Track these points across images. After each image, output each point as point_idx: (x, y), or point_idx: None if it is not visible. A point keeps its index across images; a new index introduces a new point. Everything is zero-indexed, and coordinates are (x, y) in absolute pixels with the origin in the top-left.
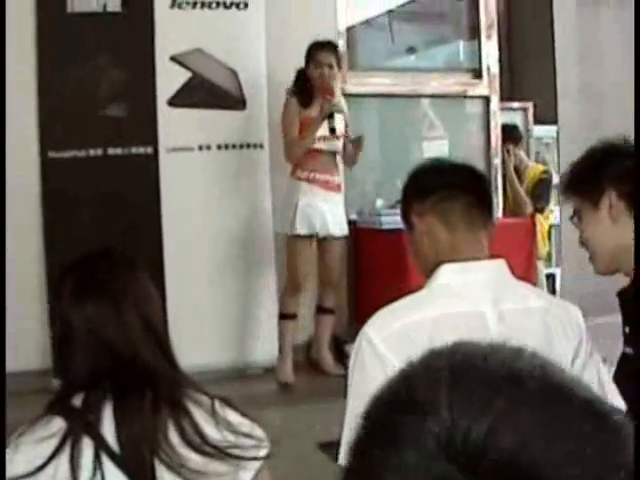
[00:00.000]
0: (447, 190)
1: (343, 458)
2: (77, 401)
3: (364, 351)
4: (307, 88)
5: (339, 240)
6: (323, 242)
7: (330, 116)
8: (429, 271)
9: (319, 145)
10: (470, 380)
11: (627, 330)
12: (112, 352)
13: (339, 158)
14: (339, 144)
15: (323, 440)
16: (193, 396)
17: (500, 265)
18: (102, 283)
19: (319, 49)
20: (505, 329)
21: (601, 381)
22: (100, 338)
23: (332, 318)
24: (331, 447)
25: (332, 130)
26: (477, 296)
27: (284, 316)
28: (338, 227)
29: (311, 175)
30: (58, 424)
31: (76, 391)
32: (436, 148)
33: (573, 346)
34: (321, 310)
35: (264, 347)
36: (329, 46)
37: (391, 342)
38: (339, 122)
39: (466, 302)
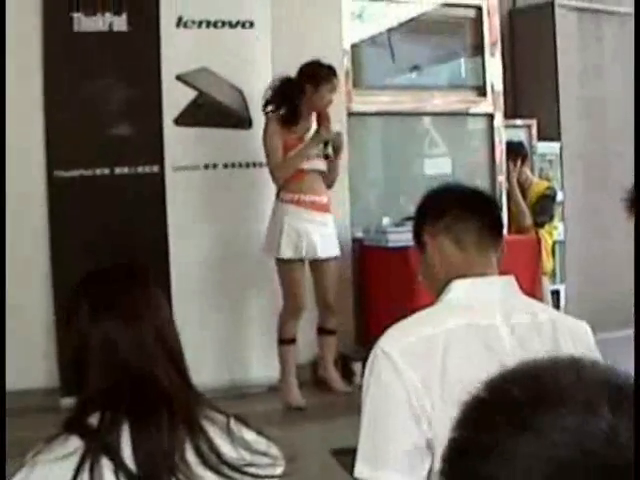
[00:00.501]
0: (460, 212)
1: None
2: (93, 420)
3: (380, 364)
4: (294, 103)
5: (331, 261)
6: (314, 264)
7: (326, 143)
8: (438, 290)
9: (303, 165)
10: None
11: None
12: (128, 370)
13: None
14: (323, 164)
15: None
16: (208, 414)
17: (510, 281)
18: (118, 300)
19: (325, 72)
20: (517, 342)
21: None
22: (116, 355)
23: (334, 339)
24: (344, 454)
25: (326, 157)
26: (489, 309)
27: (283, 341)
28: (327, 248)
29: (296, 197)
30: (75, 443)
31: (92, 410)
32: (438, 165)
33: None
34: (323, 331)
35: (265, 365)
36: (333, 71)
37: (407, 355)
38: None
39: (478, 315)
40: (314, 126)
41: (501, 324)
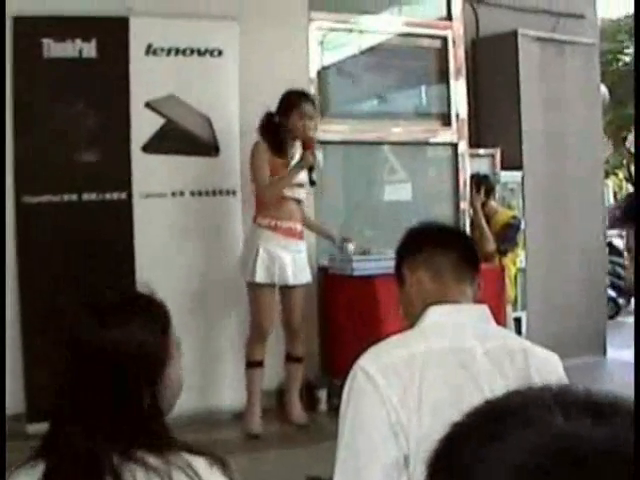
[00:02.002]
0: (437, 247)
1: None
2: (64, 449)
3: (360, 382)
4: (278, 134)
5: (301, 288)
6: (284, 289)
7: (311, 169)
8: (415, 317)
9: (285, 192)
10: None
11: None
12: (102, 400)
13: (303, 205)
14: (303, 192)
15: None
16: (142, 458)
17: (484, 309)
18: (107, 328)
19: (304, 100)
20: (491, 365)
21: None
22: (94, 386)
23: (301, 367)
24: None
25: (312, 183)
26: (464, 333)
27: (250, 364)
28: (299, 275)
29: (273, 222)
30: (41, 469)
31: (62, 436)
32: (401, 193)
33: None
34: (290, 358)
35: (232, 392)
36: (311, 97)
37: (385, 373)
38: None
39: (454, 338)
40: (299, 152)
41: (476, 347)
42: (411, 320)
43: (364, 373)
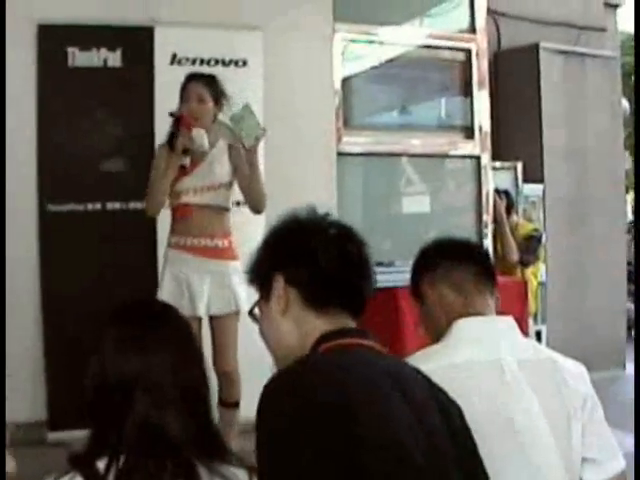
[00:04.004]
0: (456, 260)
1: None
2: (101, 465)
3: None
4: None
5: (230, 317)
6: (211, 322)
7: (185, 151)
8: (439, 333)
9: (189, 199)
10: None
11: None
12: (139, 413)
13: (228, 215)
14: (223, 195)
15: None
16: (220, 470)
17: (511, 320)
18: (143, 339)
19: (187, 81)
20: (524, 376)
21: (603, 436)
22: (130, 395)
23: (236, 412)
24: None
25: (182, 167)
26: (498, 345)
27: None
28: (224, 303)
29: (181, 240)
30: None
31: (101, 451)
32: (420, 204)
33: (581, 398)
34: (223, 404)
35: None
36: (202, 78)
37: None
38: (219, 165)
39: (489, 350)
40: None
41: (510, 359)
42: (434, 336)
43: None
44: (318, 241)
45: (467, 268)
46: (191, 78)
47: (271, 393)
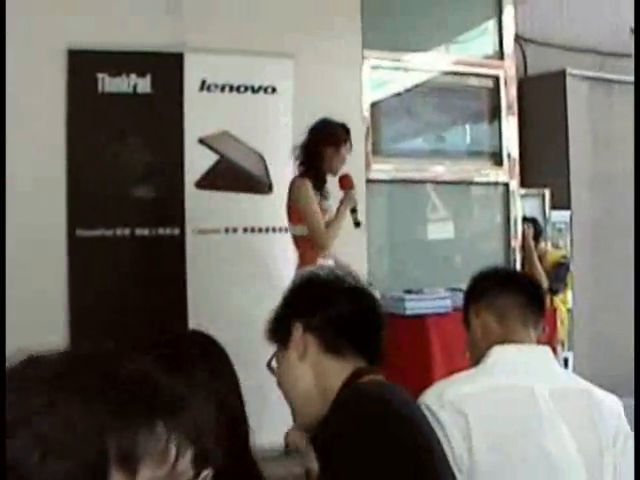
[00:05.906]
0: (502, 290)
1: None
2: None
3: None
4: (322, 169)
5: None
6: None
7: (353, 209)
8: (478, 357)
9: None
10: None
11: None
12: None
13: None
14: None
15: None
16: None
17: (547, 349)
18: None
19: (347, 134)
20: (555, 405)
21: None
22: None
23: None
24: None
25: (357, 224)
26: (531, 373)
27: None
28: None
29: (326, 261)
30: None
31: None
32: (448, 230)
33: (614, 432)
34: None
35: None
36: (348, 129)
37: (451, 411)
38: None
39: (521, 377)
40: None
41: (542, 387)
42: (475, 363)
43: (427, 410)
44: (334, 290)
45: (513, 298)
46: (347, 132)
47: (351, 418)
